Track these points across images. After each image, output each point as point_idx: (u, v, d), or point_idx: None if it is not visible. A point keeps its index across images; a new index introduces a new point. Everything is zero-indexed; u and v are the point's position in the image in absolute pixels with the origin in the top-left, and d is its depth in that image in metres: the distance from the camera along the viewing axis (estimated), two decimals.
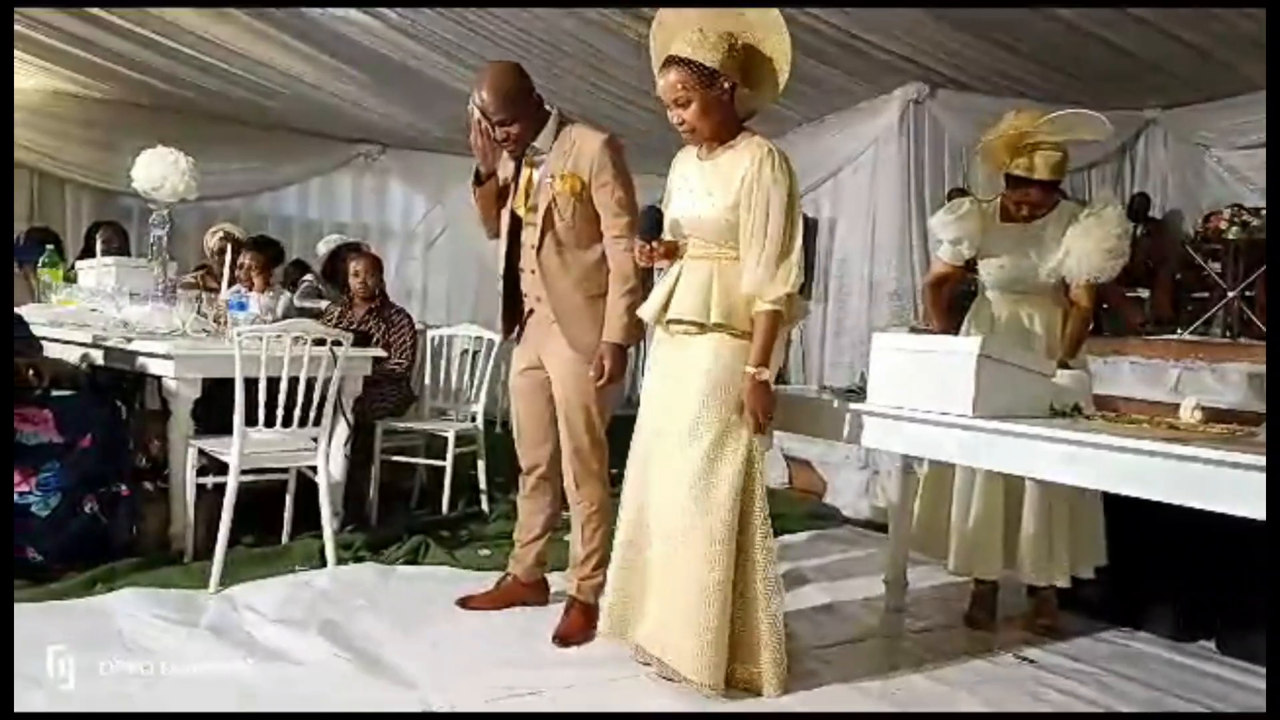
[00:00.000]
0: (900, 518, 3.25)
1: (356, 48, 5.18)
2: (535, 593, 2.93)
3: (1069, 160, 2.88)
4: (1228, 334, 5.05)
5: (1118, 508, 2.85)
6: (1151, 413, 2.63)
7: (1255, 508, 1.73)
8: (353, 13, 4.72)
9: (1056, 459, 2.05)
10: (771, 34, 2.28)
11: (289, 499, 3.49)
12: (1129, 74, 5.10)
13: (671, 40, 2.28)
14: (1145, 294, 5.96)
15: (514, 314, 2.82)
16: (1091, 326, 3.18)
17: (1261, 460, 1.71)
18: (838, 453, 4.74)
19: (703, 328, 2.29)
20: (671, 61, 2.24)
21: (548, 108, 2.68)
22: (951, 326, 3.06)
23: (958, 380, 2.16)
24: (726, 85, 2.25)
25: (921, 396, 2.26)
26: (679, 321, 2.33)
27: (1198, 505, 1.82)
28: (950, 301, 3.17)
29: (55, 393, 3.09)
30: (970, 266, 3.07)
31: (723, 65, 2.23)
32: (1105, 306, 4.95)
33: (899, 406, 2.32)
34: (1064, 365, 2.74)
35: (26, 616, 2.52)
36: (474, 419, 4.27)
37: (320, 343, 3.08)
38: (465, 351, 4.43)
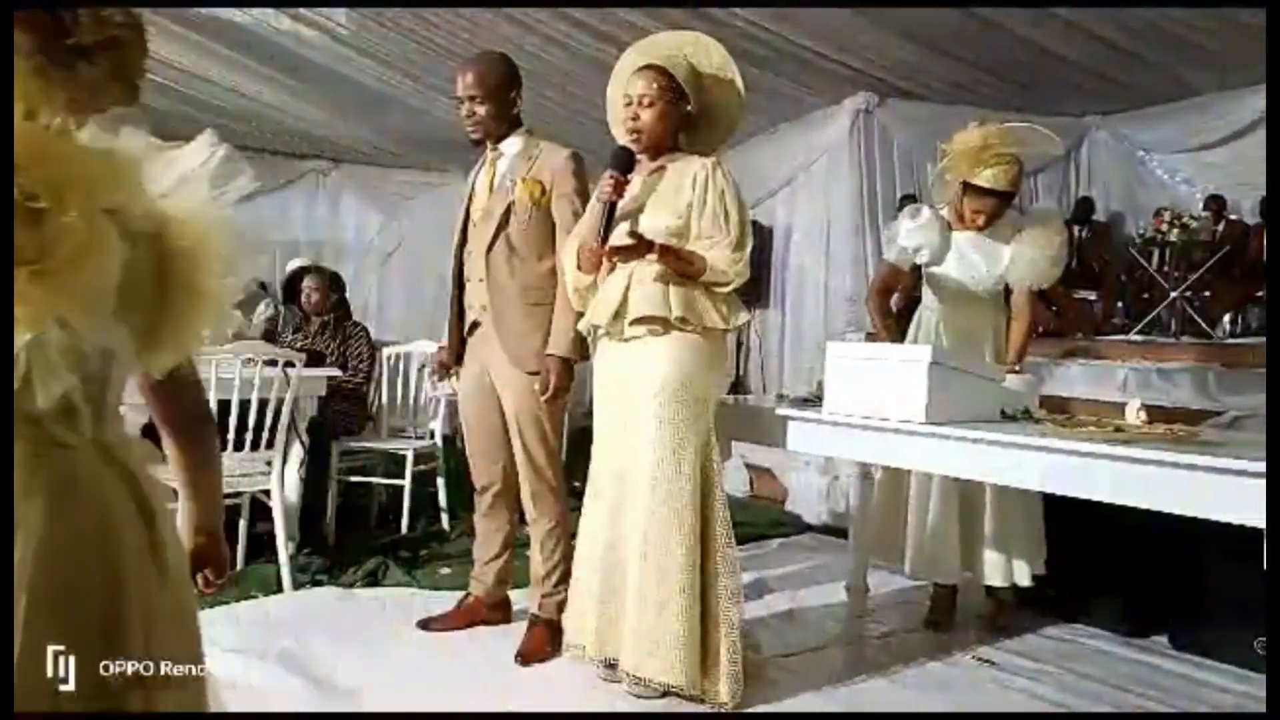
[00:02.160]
0: (860, 524, 3.28)
1: (303, 62, 5.13)
2: (497, 611, 2.90)
3: (1023, 170, 2.95)
4: (1173, 334, 5.18)
5: (1070, 507, 2.90)
6: (1100, 412, 2.69)
7: (1196, 506, 1.78)
8: (300, 27, 4.68)
9: (1008, 463, 2.09)
10: (731, 97, 2.46)
11: (242, 524, 3.42)
12: (1071, 81, 5.23)
13: (651, 55, 2.40)
14: (1092, 296, 6.10)
15: (462, 329, 2.79)
16: (1039, 330, 3.25)
17: (1203, 460, 1.76)
18: (798, 459, 4.77)
19: (665, 324, 2.29)
20: (652, 66, 2.36)
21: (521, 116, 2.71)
22: (897, 334, 3.11)
23: (910, 387, 2.19)
24: (686, 108, 2.38)
25: (875, 404, 2.30)
26: (640, 321, 2.31)
27: (1144, 505, 1.87)
28: (905, 308, 3.22)
29: None
30: (914, 273, 3.12)
31: (689, 89, 2.37)
32: (1054, 309, 5.07)
33: (854, 414, 2.34)
34: (1012, 370, 2.79)
35: None
36: (432, 436, 4.23)
37: (272, 364, 3.02)
38: (422, 368, 4.38)
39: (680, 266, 2.28)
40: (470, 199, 2.76)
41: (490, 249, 2.63)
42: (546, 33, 4.57)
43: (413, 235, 7.69)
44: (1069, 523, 2.97)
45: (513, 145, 2.69)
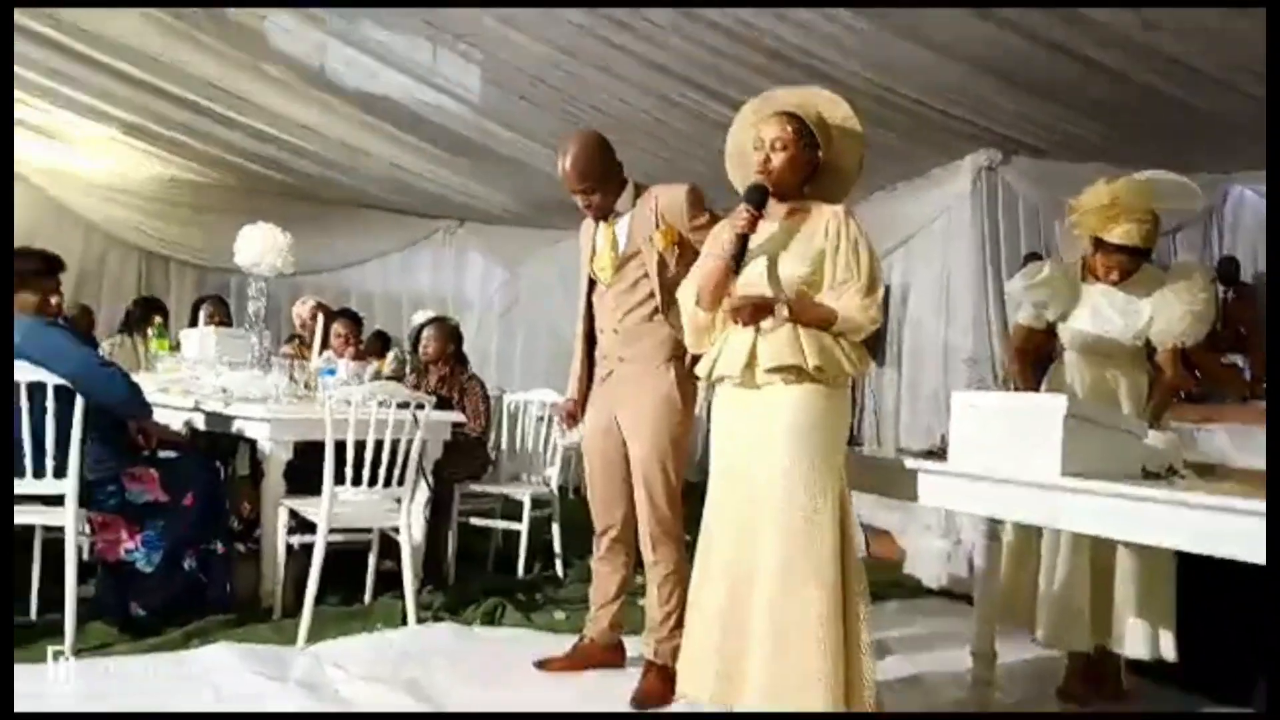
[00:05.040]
0: (986, 586, 3.14)
1: (434, 127, 5.47)
2: (612, 655, 2.92)
3: (1159, 226, 2.85)
4: None
5: (1208, 570, 2.71)
6: (1250, 477, 2.53)
7: None
8: (431, 92, 4.99)
9: (1151, 521, 1.99)
10: (855, 151, 2.49)
11: (372, 559, 3.57)
12: (1210, 136, 5.03)
13: (780, 104, 2.45)
14: (1240, 360, 5.74)
15: (589, 379, 2.88)
16: (1181, 395, 3.09)
17: None
18: (917, 521, 4.62)
19: (800, 373, 2.28)
20: (786, 114, 2.40)
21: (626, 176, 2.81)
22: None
23: (1044, 439, 2.11)
24: (817, 155, 2.41)
25: (1006, 457, 2.21)
26: (775, 370, 2.30)
27: None
28: (1037, 365, 3.13)
29: (160, 454, 3.25)
30: (1050, 330, 3.03)
31: (820, 138, 2.40)
32: (1198, 374, 4.81)
33: (982, 467, 2.28)
34: (1151, 427, 2.66)
35: (126, 669, 2.67)
36: (548, 483, 4.32)
37: (404, 406, 3.18)
38: (540, 418, 4.50)
39: (813, 321, 2.30)
40: (592, 258, 2.86)
41: (665, 304, 2.68)
42: (664, 93, 4.73)
43: (531, 290, 8.04)
44: (1208, 590, 2.78)
45: (625, 203, 2.79)
